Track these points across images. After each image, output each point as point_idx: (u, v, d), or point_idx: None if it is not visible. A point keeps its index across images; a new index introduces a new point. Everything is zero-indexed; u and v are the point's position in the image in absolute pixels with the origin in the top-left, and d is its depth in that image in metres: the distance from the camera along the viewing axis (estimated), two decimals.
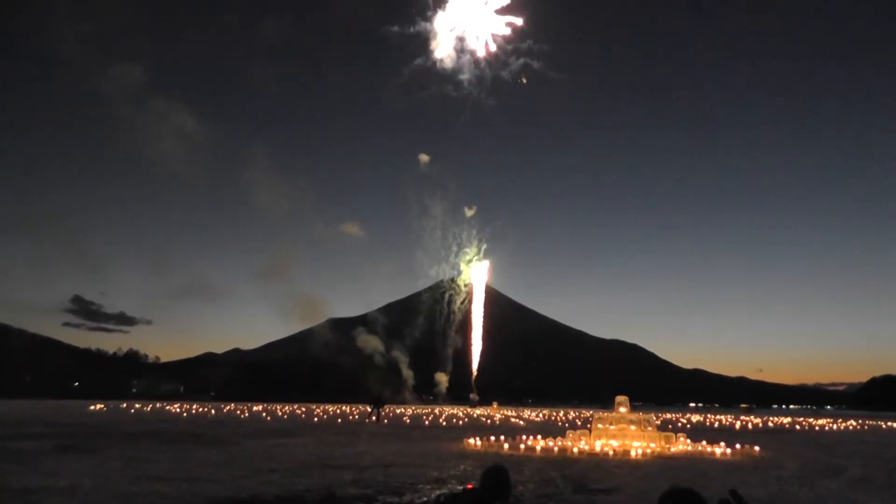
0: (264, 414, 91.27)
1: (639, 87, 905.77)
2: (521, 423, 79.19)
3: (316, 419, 78.35)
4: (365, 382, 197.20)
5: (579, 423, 74.88)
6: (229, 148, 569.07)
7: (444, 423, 73.56)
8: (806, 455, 39.21)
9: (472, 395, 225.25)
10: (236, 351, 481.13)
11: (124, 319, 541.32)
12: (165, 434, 47.40)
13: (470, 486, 7.53)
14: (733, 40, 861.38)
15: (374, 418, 76.00)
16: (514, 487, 7.38)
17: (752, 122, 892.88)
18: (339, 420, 77.02)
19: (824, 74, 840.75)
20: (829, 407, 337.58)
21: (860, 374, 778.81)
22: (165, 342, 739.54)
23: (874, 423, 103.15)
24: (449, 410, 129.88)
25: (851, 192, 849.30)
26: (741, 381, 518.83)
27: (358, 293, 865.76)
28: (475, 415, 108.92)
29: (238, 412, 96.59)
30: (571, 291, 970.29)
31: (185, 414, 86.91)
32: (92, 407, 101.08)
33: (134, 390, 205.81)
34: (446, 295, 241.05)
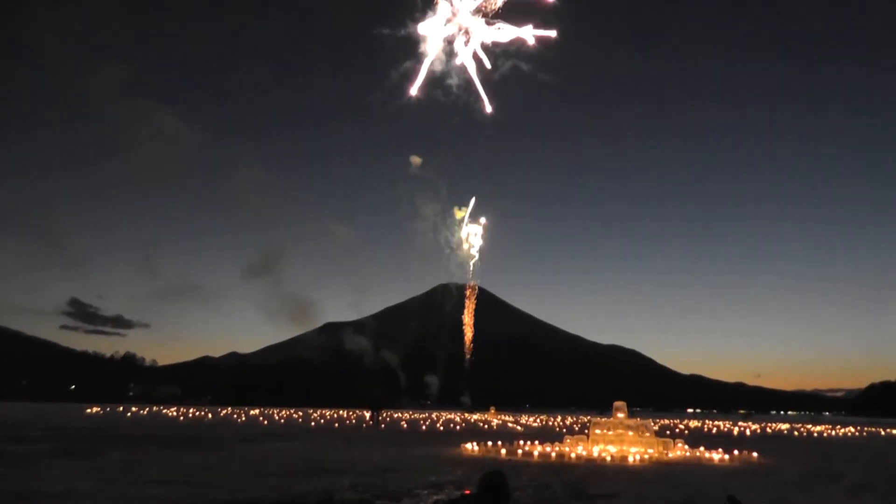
0: (261, 418, 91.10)
1: (636, 89, 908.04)
2: (519, 428, 79.06)
3: (313, 423, 78.24)
4: (361, 387, 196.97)
5: (577, 428, 74.81)
6: (222, 150, 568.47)
7: (441, 428, 73.44)
8: (804, 461, 39.19)
9: (464, 398, 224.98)
10: (233, 355, 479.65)
11: (121, 322, 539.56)
12: (162, 438, 47.27)
13: (468, 492, 7.49)
14: (731, 44, 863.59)
15: (371, 422, 75.87)
16: (512, 493, 7.32)
17: (751, 127, 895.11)
18: (336, 424, 76.90)
19: (824, 79, 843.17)
20: (827, 413, 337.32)
21: (859, 380, 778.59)
22: (163, 346, 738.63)
23: (873, 429, 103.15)
24: (446, 415, 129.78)
25: (850, 198, 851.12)
26: (739, 387, 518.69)
27: (354, 297, 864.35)
28: (472, 420, 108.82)
29: (235, 416, 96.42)
30: (569, 296, 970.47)
31: (182, 418, 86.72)
32: (88, 410, 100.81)
33: (131, 394, 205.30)
34: (441, 298, 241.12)
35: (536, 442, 43.49)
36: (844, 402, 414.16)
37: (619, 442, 39.49)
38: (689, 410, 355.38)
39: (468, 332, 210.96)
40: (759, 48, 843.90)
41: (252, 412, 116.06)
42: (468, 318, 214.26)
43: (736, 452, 39.21)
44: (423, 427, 76.41)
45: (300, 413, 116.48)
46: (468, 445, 40.80)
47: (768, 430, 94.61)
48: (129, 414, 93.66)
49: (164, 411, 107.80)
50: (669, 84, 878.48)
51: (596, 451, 37.80)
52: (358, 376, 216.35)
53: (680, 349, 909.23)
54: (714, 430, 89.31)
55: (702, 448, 41.09)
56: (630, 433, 40.20)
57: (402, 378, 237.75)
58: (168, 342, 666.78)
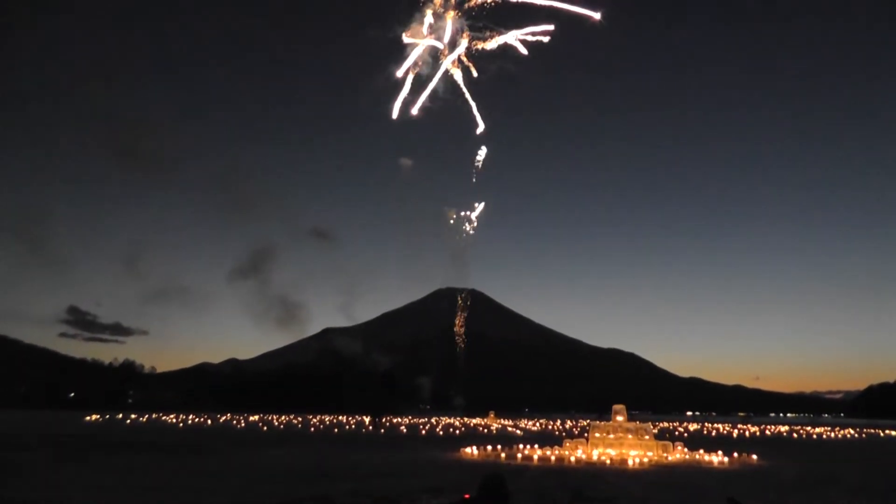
0: (261, 424, 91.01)
1: (637, 94, 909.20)
2: (518, 432, 79.03)
3: (312, 429, 78.16)
4: (360, 392, 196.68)
5: (576, 432, 74.80)
6: (219, 156, 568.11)
7: (441, 433, 73.39)
8: (804, 463, 39.23)
9: (457, 401, 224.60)
10: (232, 361, 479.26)
11: (120, 330, 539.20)
12: (162, 445, 47.25)
13: (467, 496, 7.51)
14: (730, 51, 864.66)
15: (370, 427, 75.85)
16: (512, 496, 7.35)
17: (751, 132, 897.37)
18: (336, 430, 76.82)
19: (823, 84, 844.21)
20: (826, 415, 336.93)
21: (857, 382, 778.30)
22: (161, 352, 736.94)
23: (872, 431, 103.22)
24: (445, 420, 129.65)
25: (849, 203, 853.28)
26: (738, 390, 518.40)
27: (352, 303, 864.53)
28: (472, 424, 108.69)
29: (234, 422, 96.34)
30: (568, 300, 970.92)
31: (181, 424, 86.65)
32: (88, 418, 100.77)
33: (130, 401, 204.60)
34: (437, 303, 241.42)
35: (536, 446, 43.53)
36: (843, 404, 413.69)
37: (618, 445, 39.54)
38: (689, 413, 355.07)
39: (460, 336, 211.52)
40: (758, 54, 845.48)
41: (251, 418, 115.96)
42: (460, 322, 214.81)
43: (735, 455, 39.28)
44: (423, 431, 76.36)
45: (299, 419, 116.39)
46: (468, 449, 40.82)
47: (767, 432, 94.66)
48: (128, 421, 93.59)
49: (164, 418, 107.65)
50: (669, 91, 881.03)
51: (595, 454, 37.85)
52: (356, 381, 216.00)
53: (679, 352, 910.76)
54: (713, 432, 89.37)
55: (701, 450, 41.16)
56: (629, 436, 40.26)
57: (401, 383, 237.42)
58: (167, 349, 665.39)
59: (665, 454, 38.90)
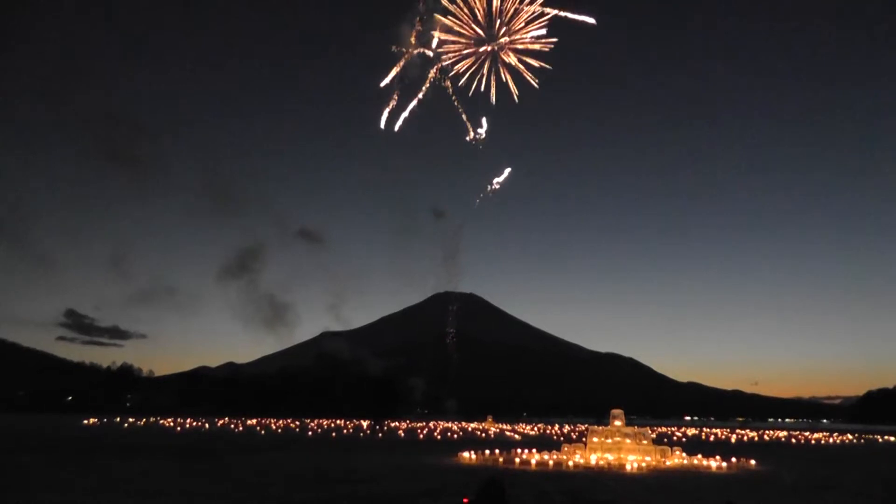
0: (258, 428, 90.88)
1: (638, 98, 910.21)
2: (517, 436, 78.99)
3: (310, 433, 78.07)
4: (359, 396, 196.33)
5: (574, 436, 74.76)
6: (216, 160, 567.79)
7: (439, 437, 73.36)
8: (802, 468, 39.23)
9: (449, 403, 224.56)
10: (230, 365, 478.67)
11: (118, 333, 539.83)
12: (160, 448, 47.18)
13: (466, 501, 7.53)
14: (729, 58, 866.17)
15: (368, 431, 75.80)
16: (510, 500, 7.37)
17: (750, 138, 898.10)
18: (334, 434, 76.75)
19: (823, 89, 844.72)
20: (825, 420, 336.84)
21: (856, 387, 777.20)
22: (159, 356, 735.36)
23: (870, 436, 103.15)
24: (443, 424, 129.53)
25: (848, 208, 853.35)
26: (737, 395, 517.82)
27: (351, 308, 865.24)
28: (470, 428, 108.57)
29: (232, 426, 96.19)
30: (567, 305, 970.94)
31: (179, 428, 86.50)
32: (86, 421, 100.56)
33: (128, 404, 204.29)
34: (435, 307, 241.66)
35: (534, 450, 43.50)
36: (842, 409, 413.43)
37: (616, 450, 39.51)
38: (687, 418, 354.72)
39: (452, 340, 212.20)
40: (763, 58, 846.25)
41: (249, 422, 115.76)
42: (452, 326, 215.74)
43: (734, 460, 39.26)
44: (421, 436, 76.31)
45: (297, 423, 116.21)
46: (465, 454, 40.82)
47: (766, 437, 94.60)
48: (126, 425, 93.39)
49: (161, 422, 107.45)
50: (668, 96, 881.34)
51: (593, 458, 37.82)
52: (354, 386, 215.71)
53: (677, 357, 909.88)
54: (712, 437, 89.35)
55: (699, 455, 41.13)
56: (627, 441, 40.23)
57: (399, 387, 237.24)
58: (164, 352, 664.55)
59: (663, 459, 38.87)
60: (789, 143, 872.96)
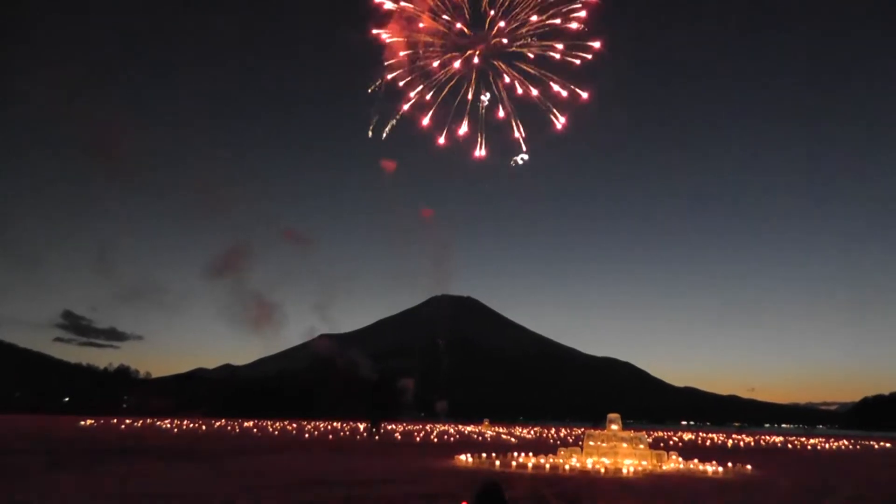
0: (255, 430, 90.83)
1: (634, 101, 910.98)
2: (513, 440, 79.00)
3: (307, 435, 78.04)
4: (357, 399, 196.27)
5: (571, 440, 74.79)
6: (211, 159, 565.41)
7: (436, 440, 73.36)
8: (798, 474, 39.29)
9: (439, 404, 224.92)
10: (227, 367, 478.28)
11: (115, 335, 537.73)
12: (156, 450, 47.17)
13: (464, 503, 7.60)
14: (728, 58, 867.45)
15: (365, 434, 75.76)
16: None
17: (748, 143, 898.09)
18: (331, 436, 76.73)
19: (823, 93, 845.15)
20: (821, 426, 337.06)
21: (852, 393, 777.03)
22: (156, 358, 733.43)
23: (866, 443, 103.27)
24: (440, 427, 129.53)
25: (845, 214, 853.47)
26: (733, 400, 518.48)
27: (349, 309, 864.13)
28: (466, 431, 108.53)
29: (229, 428, 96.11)
30: (564, 309, 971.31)
31: (176, 430, 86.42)
32: (83, 423, 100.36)
33: (125, 406, 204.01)
34: (433, 310, 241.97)
35: (530, 454, 43.54)
36: (838, 415, 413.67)
37: (613, 454, 39.58)
38: (683, 423, 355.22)
39: (444, 341, 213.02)
40: (763, 58, 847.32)
41: (246, 424, 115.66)
42: (445, 328, 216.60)
43: (730, 465, 39.32)
44: (418, 438, 76.30)
45: (294, 425, 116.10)
46: (462, 457, 40.85)
47: (762, 442, 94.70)
48: (123, 426, 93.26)
49: (158, 423, 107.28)
50: (665, 101, 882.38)
51: (590, 462, 37.86)
52: (351, 388, 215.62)
53: (674, 362, 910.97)
54: (708, 442, 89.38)
55: (696, 460, 41.20)
56: (624, 445, 40.30)
57: (395, 390, 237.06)
58: (162, 354, 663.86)
59: (659, 463, 38.96)
60: (787, 148, 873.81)
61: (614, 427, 41.73)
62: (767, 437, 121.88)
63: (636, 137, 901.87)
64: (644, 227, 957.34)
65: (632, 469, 35.48)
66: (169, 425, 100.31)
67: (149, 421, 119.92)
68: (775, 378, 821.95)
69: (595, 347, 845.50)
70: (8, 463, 33.87)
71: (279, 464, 37.49)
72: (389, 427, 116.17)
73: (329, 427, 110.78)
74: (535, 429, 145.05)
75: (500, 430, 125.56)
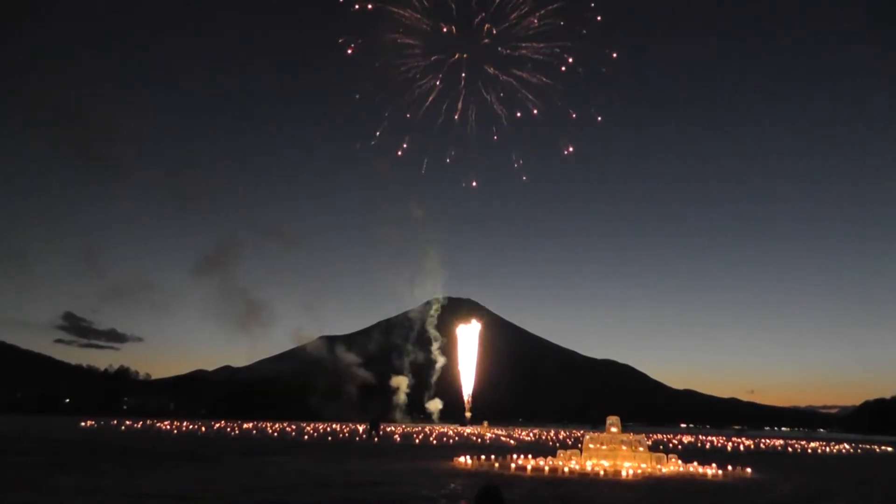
0: (254, 431, 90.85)
1: (632, 104, 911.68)
2: (512, 442, 79.00)
3: (306, 437, 78.04)
4: (356, 401, 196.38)
5: (570, 442, 74.76)
6: (208, 160, 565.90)
7: (435, 442, 73.37)
8: (798, 478, 39.29)
9: (429, 405, 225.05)
10: (227, 368, 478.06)
11: (115, 336, 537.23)
12: (156, 451, 47.20)
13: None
14: (728, 59, 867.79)
15: (364, 436, 75.72)
16: None
17: (746, 144, 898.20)
18: (330, 438, 76.74)
19: (821, 95, 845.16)
20: (821, 430, 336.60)
21: (853, 397, 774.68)
22: (156, 359, 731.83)
23: (867, 446, 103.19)
24: (440, 429, 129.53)
25: (844, 215, 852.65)
26: (733, 402, 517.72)
27: (348, 311, 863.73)
28: (465, 433, 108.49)
29: (229, 429, 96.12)
30: (563, 310, 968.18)
31: (175, 431, 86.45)
32: (82, 423, 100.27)
33: (125, 407, 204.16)
34: (434, 313, 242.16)
35: (529, 456, 43.55)
36: (839, 418, 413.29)
37: (612, 456, 39.58)
38: (683, 425, 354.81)
39: (435, 342, 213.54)
40: (762, 59, 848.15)
41: (245, 426, 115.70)
42: (433, 326, 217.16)
43: (729, 468, 39.33)
44: (417, 441, 76.31)
45: (293, 426, 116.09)
46: (461, 459, 40.87)
47: (762, 445, 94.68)
48: (122, 427, 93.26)
49: (158, 424, 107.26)
50: (665, 103, 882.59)
51: (589, 465, 37.87)
52: (351, 390, 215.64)
53: (673, 364, 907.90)
54: (707, 445, 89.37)
55: (695, 463, 41.18)
56: (623, 448, 40.30)
57: (396, 392, 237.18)
58: (161, 356, 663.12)
59: (659, 466, 38.95)
60: (787, 150, 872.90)
61: (613, 429, 41.73)
62: (767, 441, 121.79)
63: (636, 138, 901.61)
64: (643, 228, 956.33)
65: (631, 472, 35.48)
66: (169, 426, 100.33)
67: (149, 422, 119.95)
68: (776, 381, 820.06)
69: (594, 349, 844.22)
70: (8, 464, 33.90)
71: (279, 465, 37.51)
72: (388, 429, 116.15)
73: (328, 428, 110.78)
74: (534, 431, 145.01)
75: (499, 431, 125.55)
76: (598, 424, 58.10)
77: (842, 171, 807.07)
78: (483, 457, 42.01)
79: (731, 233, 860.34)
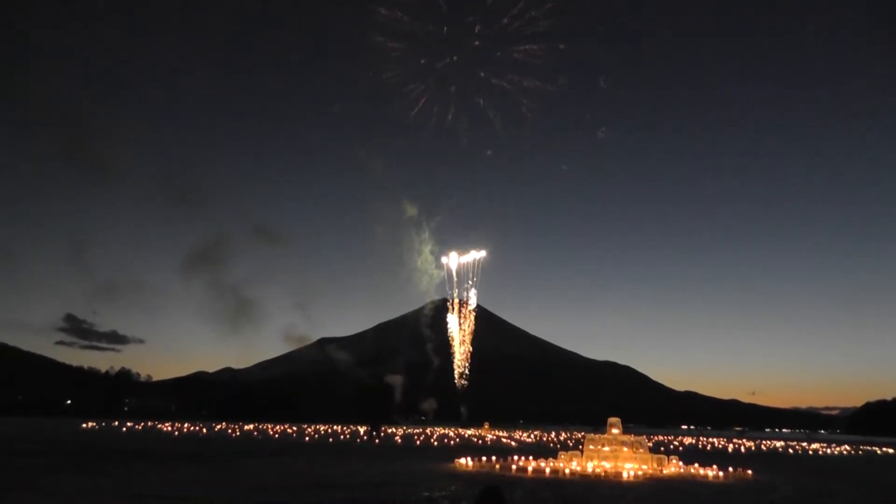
0: (256, 433, 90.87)
1: (631, 104, 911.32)
2: (513, 443, 78.98)
3: (307, 439, 78.04)
4: (356, 402, 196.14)
5: (571, 444, 74.74)
6: (206, 160, 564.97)
7: (436, 443, 73.34)
8: (799, 479, 39.27)
9: (424, 405, 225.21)
10: (228, 370, 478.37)
11: (116, 338, 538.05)
12: (157, 453, 47.22)
13: None
14: (726, 60, 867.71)
15: (365, 437, 75.71)
16: None
17: (746, 147, 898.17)
18: (331, 440, 76.72)
19: (821, 95, 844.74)
20: (822, 431, 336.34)
21: (854, 398, 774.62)
22: (157, 361, 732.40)
23: (868, 448, 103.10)
24: (440, 430, 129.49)
25: (845, 218, 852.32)
26: (734, 404, 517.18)
27: (348, 313, 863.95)
28: (466, 434, 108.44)
29: (230, 431, 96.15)
30: (565, 313, 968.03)
31: (176, 433, 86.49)
32: (84, 425, 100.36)
33: (126, 409, 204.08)
34: (432, 314, 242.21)
35: (531, 457, 43.57)
36: (840, 420, 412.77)
37: (613, 458, 39.60)
38: (684, 427, 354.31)
39: (430, 343, 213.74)
40: (761, 60, 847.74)
41: (246, 427, 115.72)
42: (428, 328, 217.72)
43: (730, 469, 39.35)
44: (418, 442, 76.27)
45: (294, 428, 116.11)
46: (462, 460, 40.86)
47: (763, 447, 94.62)
48: (124, 429, 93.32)
49: (159, 426, 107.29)
50: (665, 105, 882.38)
51: (590, 466, 37.89)
52: (351, 392, 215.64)
53: (675, 366, 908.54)
54: (708, 446, 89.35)
55: (696, 464, 41.20)
56: (624, 449, 40.32)
57: (396, 393, 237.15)
58: (163, 358, 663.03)
59: (660, 467, 38.98)
60: (787, 151, 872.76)
61: (615, 431, 41.75)
62: (768, 442, 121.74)
63: (637, 140, 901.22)
64: (644, 230, 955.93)
65: (632, 473, 35.49)
66: (170, 428, 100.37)
67: (150, 423, 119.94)
68: (777, 382, 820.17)
69: (595, 351, 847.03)
70: (10, 465, 33.92)
71: (280, 467, 37.51)
72: (390, 430, 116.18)
73: (329, 430, 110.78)
74: (536, 432, 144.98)
75: (501, 433, 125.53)
76: (600, 426, 58.14)
77: (842, 171, 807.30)
78: (484, 458, 42.02)
79: (731, 234, 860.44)
